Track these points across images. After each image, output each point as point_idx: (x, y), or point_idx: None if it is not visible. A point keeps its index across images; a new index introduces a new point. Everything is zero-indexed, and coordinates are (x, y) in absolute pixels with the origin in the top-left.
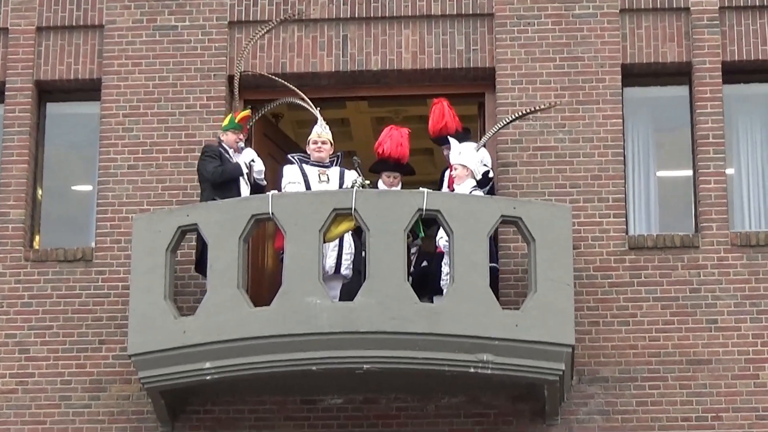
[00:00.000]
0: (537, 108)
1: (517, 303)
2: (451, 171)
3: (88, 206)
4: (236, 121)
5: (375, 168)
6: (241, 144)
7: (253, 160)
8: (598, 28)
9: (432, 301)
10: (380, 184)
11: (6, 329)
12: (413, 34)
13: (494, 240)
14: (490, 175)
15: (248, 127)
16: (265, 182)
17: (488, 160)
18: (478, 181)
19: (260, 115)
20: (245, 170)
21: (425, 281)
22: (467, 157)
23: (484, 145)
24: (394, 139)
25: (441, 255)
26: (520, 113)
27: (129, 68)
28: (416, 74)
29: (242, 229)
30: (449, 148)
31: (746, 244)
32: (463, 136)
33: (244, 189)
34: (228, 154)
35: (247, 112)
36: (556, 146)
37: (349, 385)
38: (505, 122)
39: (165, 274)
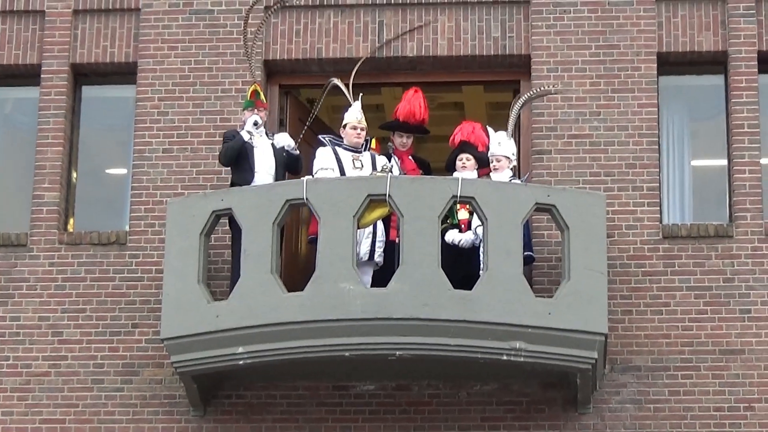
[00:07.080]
0: (546, 90)
1: (550, 291)
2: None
3: (123, 190)
4: (249, 98)
5: (386, 127)
6: (255, 118)
7: (258, 124)
8: (634, 17)
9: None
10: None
11: (39, 312)
12: (449, 21)
13: (528, 228)
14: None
15: (263, 101)
16: (297, 151)
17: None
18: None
19: (315, 113)
20: (247, 137)
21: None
22: (507, 148)
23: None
24: (410, 103)
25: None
26: (532, 94)
27: (165, 52)
28: (451, 61)
29: (276, 214)
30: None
31: None
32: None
33: (260, 157)
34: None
35: (253, 87)
36: (590, 134)
37: (381, 372)
38: (521, 104)
39: (198, 259)
